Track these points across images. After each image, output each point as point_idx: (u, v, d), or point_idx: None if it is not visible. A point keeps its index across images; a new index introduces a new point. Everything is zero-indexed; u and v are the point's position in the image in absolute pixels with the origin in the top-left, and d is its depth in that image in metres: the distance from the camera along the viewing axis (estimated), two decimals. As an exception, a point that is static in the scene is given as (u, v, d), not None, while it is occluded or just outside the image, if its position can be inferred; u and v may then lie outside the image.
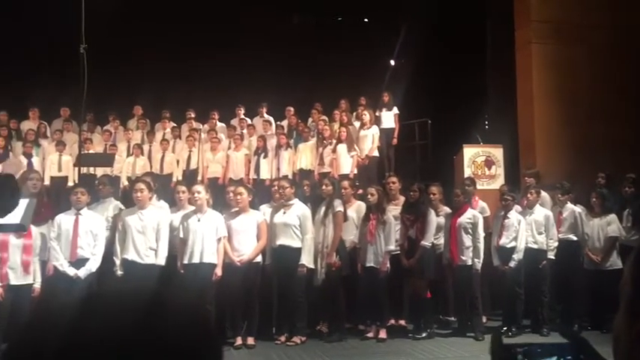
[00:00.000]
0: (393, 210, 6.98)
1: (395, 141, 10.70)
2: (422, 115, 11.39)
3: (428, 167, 10.94)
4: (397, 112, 10.80)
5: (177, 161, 10.44)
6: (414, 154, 11.48)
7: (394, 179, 7.42)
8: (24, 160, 9.76)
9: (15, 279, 5.50)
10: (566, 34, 10.04)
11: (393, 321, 6.93)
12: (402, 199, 7.16)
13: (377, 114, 10.66)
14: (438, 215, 6.95)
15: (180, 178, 10.01)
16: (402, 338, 6.66)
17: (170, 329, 0.70)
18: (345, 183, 7.35)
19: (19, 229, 4.46)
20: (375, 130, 10.15)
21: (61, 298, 0.76)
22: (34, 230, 5.68)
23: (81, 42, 6.70)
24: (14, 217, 3.65)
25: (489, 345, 0.96)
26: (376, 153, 10.10)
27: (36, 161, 9.86)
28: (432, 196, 7.06)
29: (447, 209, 7.15)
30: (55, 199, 8.33)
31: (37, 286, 5.69)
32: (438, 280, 6.97)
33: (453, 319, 7.20)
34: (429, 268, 6.74)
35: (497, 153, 9.61)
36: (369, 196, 6.81)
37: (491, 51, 11.41)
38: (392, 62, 12.96)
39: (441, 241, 7.02)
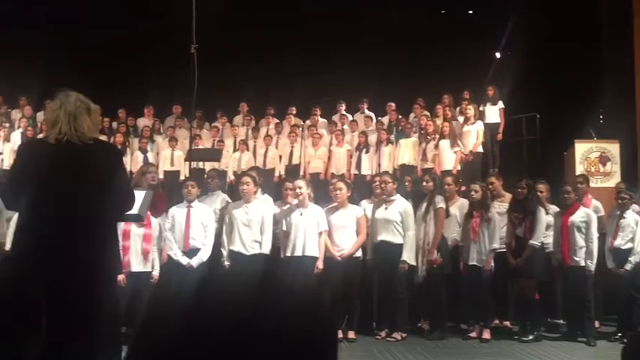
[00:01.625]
0: (498, 207, 6.77)
1: (500, 136, 10.38)
2: (530, 109, 10.96)
3: (536, 164, 10.52)
4: (502, 106, 10.45)
5: (280, 156, 10.70)
6: (521, 150, 11.07)
7: (492, 179, 7.16)
8: (140, 156, 10.41)
9: (135, 266, 5.85)
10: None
11: (497, 321, 6.74)
12: (507, 196, 6.93)
13: (481, 109, 10.38)
14: (547, 213, 6.66)
15: (282, 172, 10.26)
16: (507, 340, 6.44)
17: (284, 308, 0.72)
18: (449, 179, 7.21)
19: (137, 219, 4.75)
20: (479, 126, 9.89)
21: (176, 285, 0.81)
22: (154, 220, 6.04)
23: (192, 42, 7.02)
24: (133, 207, 3.90)
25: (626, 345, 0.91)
26: (480, 149, 9.84)
27: (150, 156, 10.47)
28: (539, 193, 6.78)
29: (554, 207, 6.84)
30: (168, 191, 8.82)
31: (156, 273, 6.02)
32: (547, 281, 6.68)
33: (561, 322, 6.88)
34: (538, 268, 6.47)
35: (613, 149, 9.05)
36: (473, 193, 6.64)
37: (606, 40, 10.74)
38: (497, 55, 12.53)
39: (550, 240, 6.72)
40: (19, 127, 10.84)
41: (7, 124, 10.83)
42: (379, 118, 11.24)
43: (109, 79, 11.36)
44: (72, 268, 2.88)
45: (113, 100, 11.08)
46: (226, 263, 6.39)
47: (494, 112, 10.41)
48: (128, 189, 3.35)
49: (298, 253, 6.36)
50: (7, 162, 9.60)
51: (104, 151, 3.23)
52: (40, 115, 10.60)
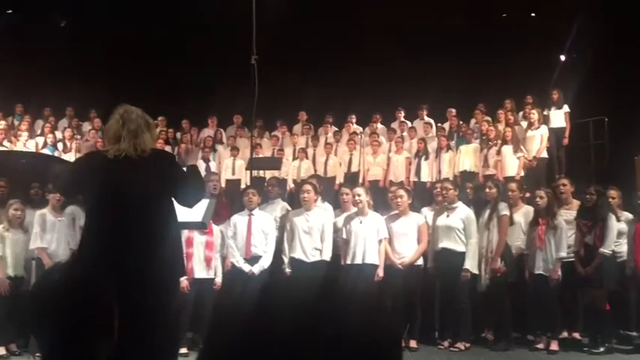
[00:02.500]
0: (565, 214, 6.55)
1: (566, 141, 10.06)
2: (597, 112, 10.57)
3: (604, 169, 10.12)
4: (568, 110, 10.13)
5: (340, 164, 10.72)
6: (588, 156, 10.68)
7: (565, 181, 6.95)
8: (202, 165, 10.64)
9: (199, 273, 6.00)
10: None
11: (565, 333, 6.50)
12: (575, 202, 6.70)
13: (545, 113, 10.10)
14: (618, 220, 6.39)
15: (342, 180, 10.27)
16: (577, 352, 6.20)
17: (346, 314, 0.72)
18: (513, 185, 7.04)
19: (201, 227, 4.86)
20: (543, 130, 9.63)
21: (238, 292, 0.82)
22: (215, 228, 6.17)
23: (252, 53, 7.14)
24: (196, 215, 4.00)
25: None
26: (545, 154, 9.57)
27: (213, 165, 10.70)
28: (610, 200, 6.51)
29: (627, 214, 6.56)
30: (229, 200, 8.98)
31: (219, 280, 6.16)
32: (618, 291, 6.40)
33: (635, 334, 6.57)
34: (609, 277, 6.20)
35: (688, 152, 8.61)
36: (538, 200, 6.45)
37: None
38: (562, 57, 12.15)
39: (622, 248, 6.45)
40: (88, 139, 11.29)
41: (79, 137, 11.31)
42: (439, 124, 11.10)
43: (174, 90, 11.71)
44: (134, 275, 2.96)
45: (177, 111, 11.43)
46: (287, 270, 6.44)
47: (559, 116, 10.11)
48: (189, 181, 3.36)
49: (358, 260, 6.35)
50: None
51: (157, 158, 3.30)
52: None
